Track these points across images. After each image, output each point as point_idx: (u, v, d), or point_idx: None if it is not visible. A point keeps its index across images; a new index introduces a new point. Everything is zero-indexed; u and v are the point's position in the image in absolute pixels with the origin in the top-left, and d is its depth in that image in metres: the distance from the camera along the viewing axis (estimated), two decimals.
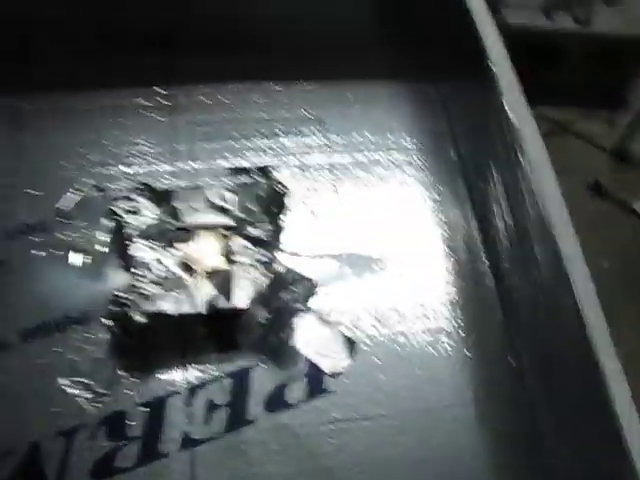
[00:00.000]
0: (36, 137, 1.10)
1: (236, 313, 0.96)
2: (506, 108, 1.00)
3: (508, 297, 1.05)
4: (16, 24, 1.10)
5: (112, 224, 1.01)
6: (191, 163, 1.11)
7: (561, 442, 0.93)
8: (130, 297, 0.92)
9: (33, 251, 1.00)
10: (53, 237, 1.02)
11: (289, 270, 0.97)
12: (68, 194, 1.05)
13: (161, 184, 1.06)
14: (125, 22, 1.09)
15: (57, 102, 1.13)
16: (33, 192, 1.05)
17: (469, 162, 1.16)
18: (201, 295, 0.93)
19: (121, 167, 1.09)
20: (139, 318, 0.90)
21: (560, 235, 0.92)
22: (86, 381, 0.92)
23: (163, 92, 1.17)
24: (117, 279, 0.98)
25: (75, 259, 1.01)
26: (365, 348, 0.99)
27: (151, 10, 1.12)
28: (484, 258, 1.10)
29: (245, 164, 1.11)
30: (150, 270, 0.94)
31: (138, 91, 1.16)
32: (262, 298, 0.95)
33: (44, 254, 1.00)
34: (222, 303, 0.94)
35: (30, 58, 1.12)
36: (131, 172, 1.09)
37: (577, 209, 0.97)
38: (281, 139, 1.15)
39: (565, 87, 1.12)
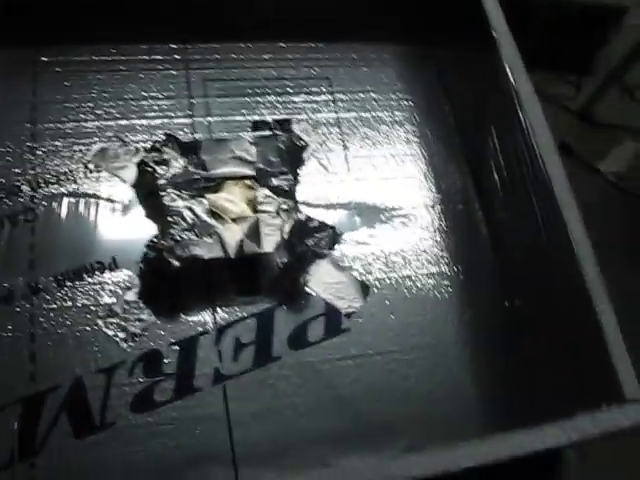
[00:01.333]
0: (53, 90, 1.11)
1: (259, 258, 1.02)
2: (508, 72, 1.08)
3: (503, 244, 1.15)
4: None
5: (140, 174, 1.05)
6: (207, 117, 1.15)
7: (549, 375, 1.03)
8: (165, 243, 0.96)
9: (61, 200, 1.03)
10: (80, 187, 1.05)
11: (310, 218, 1.03)
12: (93, 146, 1.08)
13: (180, 136, 1.10)
14: None
15: (72, 55, 1.15)
16: (57, 143, 1.08)
17: (465, 122, 1.24)
18: (231, 241, 0.99)
19: (140, 120, 1.12)
20: (175, 263, 0.95)
21: (557, 185, 1.02)
22: (122, 323, 0.97)
23: (178, 48, 1.19)
24: (144, 227, 1.03)
25: (103, 208, 1.05)
26: (375, 291, 1.08)
27: None
28: (479, 208, 1.19)
29: (258, 119, 1.15)
30: (183, 218, 0.99)
31: (153, 46, 1.18)
32: (287, 244, 1.01)
33: (72, 203, 1.04)
34: (250, 248, 0.99)
35: (46, 10, 1.11)
36: (150, 124, 1.12)
37: None
38: (291, 96, 1.20)
39: (535, 51, 1.20)
